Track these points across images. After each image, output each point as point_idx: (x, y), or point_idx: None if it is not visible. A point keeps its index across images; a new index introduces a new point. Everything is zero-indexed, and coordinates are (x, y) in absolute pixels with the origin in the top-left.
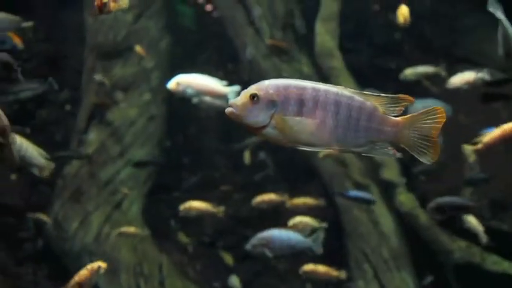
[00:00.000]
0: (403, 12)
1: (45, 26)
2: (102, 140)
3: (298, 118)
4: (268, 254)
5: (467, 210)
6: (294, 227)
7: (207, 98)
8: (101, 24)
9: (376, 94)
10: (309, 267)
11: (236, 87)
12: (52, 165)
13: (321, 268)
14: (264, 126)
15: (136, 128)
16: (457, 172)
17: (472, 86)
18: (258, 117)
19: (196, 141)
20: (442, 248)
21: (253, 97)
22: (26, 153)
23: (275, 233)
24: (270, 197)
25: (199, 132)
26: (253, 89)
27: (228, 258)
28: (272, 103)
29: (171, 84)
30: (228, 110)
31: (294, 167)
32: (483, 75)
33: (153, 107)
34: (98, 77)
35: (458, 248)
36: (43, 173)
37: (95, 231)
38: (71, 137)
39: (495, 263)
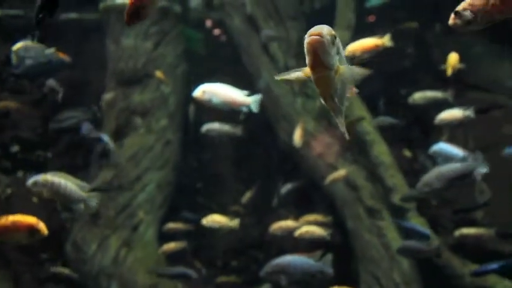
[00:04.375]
0: (453, 61)
1: (71, 53)
2: (121, 164)
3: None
4: (283, 280)
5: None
6: (301, 236)
7: (216, 126)
8: (123, 52)
9: None
10: None
11: (257, 96)
12: (97, 199)
13: None
14: (329, 69)
15: (153, 152)
16: (468, 196)
17: (460, 122)
18: (334, 58)
19: (209, 166)
20: (453, 272)
21: (335, 37)
22: (66, 191)
23: (288, 260)
24: (287, 224)
25: (212, 157)
26: (330, 30)
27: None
28: (338, 52)
29: (197, 93)
30: (315, 38)
31: (305, 192)
32: (470, 113)
33: (170, 132)
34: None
35: (469, 272)
36: (89, 209)
37: (113, 254)
38: (91, 161)
39: None
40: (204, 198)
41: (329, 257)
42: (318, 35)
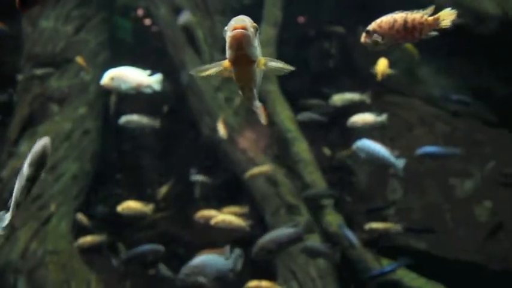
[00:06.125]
0: (382, 67)
1: None
2: None
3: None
4: (202, 280)
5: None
6: (217, 225)
7: (135, 117)
8: (40, 34)
9: None
10: (253, 283)
11: (159, 76)
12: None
13: (265, 284)
14: (253, 62)
15: (70, 142)
16: (382, 194)
17: (371, 126)
18: (257, 50)
19: (130, 157)
20: (366, 266)
21: (257, 29)
22: None
23: (203, 260)
24: (210, 213)
25: (134, 148)
26: (251, 21)
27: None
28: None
29: (106, 80)
30: (241, 32)
31: (227, 187)
32: (382, 119)
33: (88, 120)
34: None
35: (380, 266)
36: None
37: (21, 247)
38: (0, 148)
39: (413, 280)
40: (123, 189)
41: (238, 252)
42: (242, 28)
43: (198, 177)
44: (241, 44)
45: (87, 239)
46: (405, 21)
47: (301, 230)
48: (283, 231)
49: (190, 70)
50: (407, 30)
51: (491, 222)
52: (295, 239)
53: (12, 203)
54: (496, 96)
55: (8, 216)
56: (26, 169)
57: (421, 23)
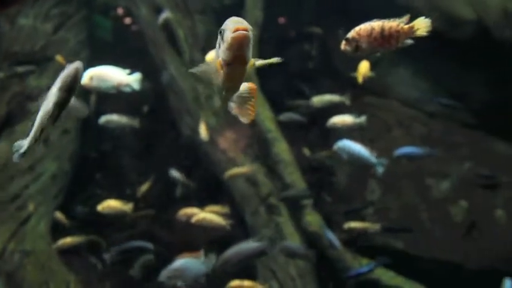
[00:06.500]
0: (363, 69)
1: None
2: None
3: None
4: (181, 284)
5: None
6: (198, 222)
7: (115, 117)
8: (18, 32)
9: None
10: (235, 283)
11: (138, 75)
12: None
13: (247, 283)
14: (247, 64)
15: (49, 141)
16: (361, 194)
17: (350, 128)
18: (251, 52)
19: (110, 157)
20: (345, 265)
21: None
22: None
23: (183, 263)
24: (192, 211)
25: (113, 148)
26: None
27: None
28: None
29: (85, 80)
30: (244, 33)
31: (207, 186)
32: (361, 120)
33: (68, 120)
34: None
35: (359, 265)
36: None
37: (0, 247)
38: None
39: (391, 279)
40: (102, 189)
41: (212, 257)
42: (244, 30)
43: (175, 174)
44: (243, 45)
45: (67, 240)
46: (382, 29)
47: (266, 244)
48: (247, 245)
49: (172, 69)
50: (385, 38)
51: (466, 221)
52: (259, 253)
53: (35, 126)
54: (472, 99)
55: (27, 142)
56: (54, 94)
57: (398, 31)
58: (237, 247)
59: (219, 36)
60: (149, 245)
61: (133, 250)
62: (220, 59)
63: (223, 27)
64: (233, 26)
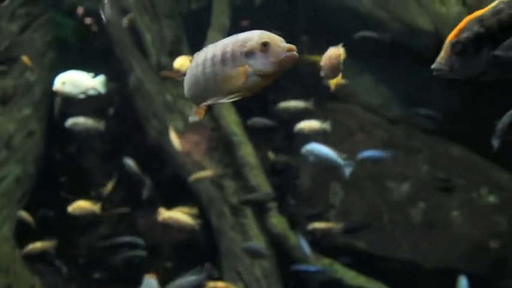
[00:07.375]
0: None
1: None
2: None
3: None
4: None
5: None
6: (165, 221)
7: (81, 120)
8: None
9: None
10: (210, 285)
11: (102, 77)
12: None
13: (221, 285)
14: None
15: (13, 143)
16: (324, 196)
17: (316, 132)
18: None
19: (75, 160)
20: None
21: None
22: None
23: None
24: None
25: (78, 150)
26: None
27: None
28: None
29: (58, 85)
30: (296, 54)
31: (173, 189)
32: (327, 126)
33: (33, 122)
34: None
35: (322, 265)
36: None
37: None
38: None
39: (353, 278)
40: (67, 192)
41: (208, 266)
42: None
43: (129, 162)
44: (291, 65)
45: (37, 246)
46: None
47: (203, 277)
48: (185, 279)
49: (138, 72)
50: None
51: (425, 222)
52: (196, 286)
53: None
54: (432, 105)
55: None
56: None
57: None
58: (176, 282)
59: (250, 46)
60: (140, 240)
61: (124, 245)
62: (251, 68)
63: (261, 40)
64: (282, 44)
